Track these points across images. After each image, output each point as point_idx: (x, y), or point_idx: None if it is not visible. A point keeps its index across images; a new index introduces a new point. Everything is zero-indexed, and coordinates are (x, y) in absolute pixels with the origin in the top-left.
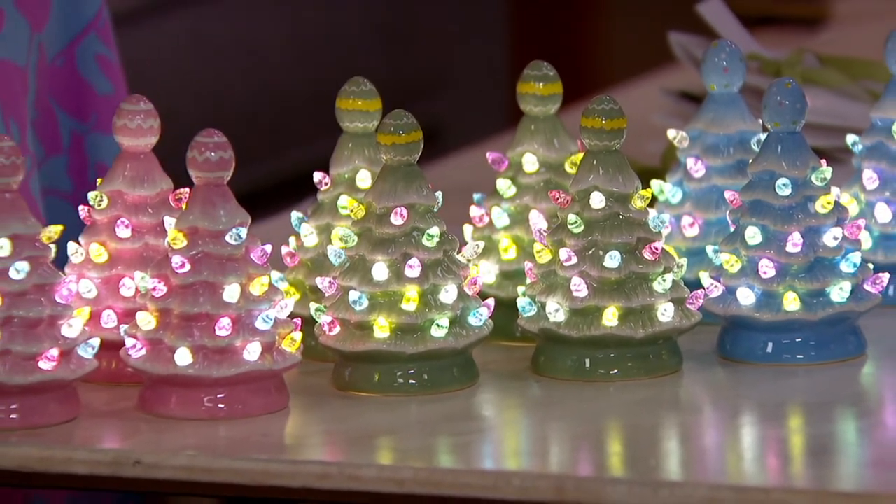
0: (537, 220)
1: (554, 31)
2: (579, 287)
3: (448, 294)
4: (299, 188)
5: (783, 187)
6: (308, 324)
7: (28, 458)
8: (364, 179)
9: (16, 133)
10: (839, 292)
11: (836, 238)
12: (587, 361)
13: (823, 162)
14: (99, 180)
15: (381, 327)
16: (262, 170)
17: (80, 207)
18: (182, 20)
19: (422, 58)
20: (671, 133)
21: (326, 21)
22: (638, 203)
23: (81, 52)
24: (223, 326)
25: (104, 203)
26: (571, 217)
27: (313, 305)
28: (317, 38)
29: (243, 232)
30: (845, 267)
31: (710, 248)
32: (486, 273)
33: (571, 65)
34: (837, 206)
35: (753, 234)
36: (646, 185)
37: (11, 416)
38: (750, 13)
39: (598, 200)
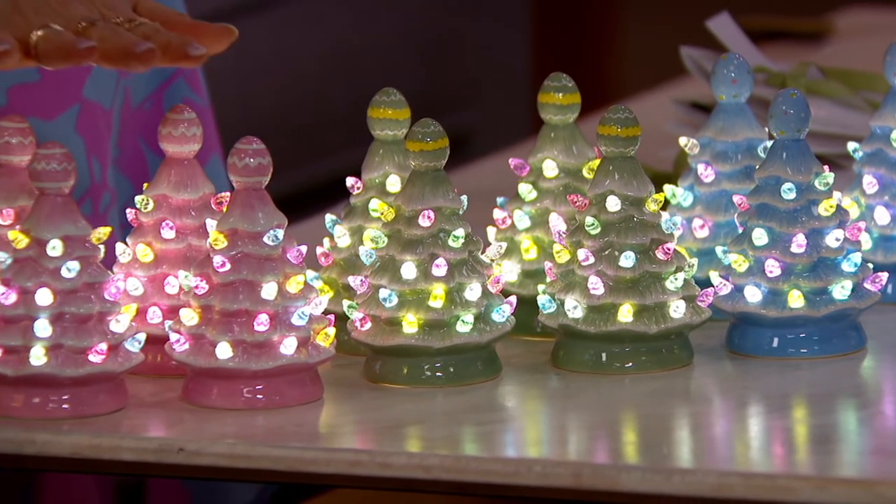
0: (557, 223)
1: (573, 45)
2: (596, 285)
3: (473, 292)
4: (333, 192)
5: (788, 191)
6: (341, 320)
7: (78, 446)
8: (394, 184)
9: (97, 171)
10: (841, 290)
11: (838, 239)
12: (604, 355)
13: (826, 168)
14: (145, 185)
15: (410, 323)
16: (299, 175)
17: (127, 210)
18: None
19: (452, 70)
20: (682, 140)
21: (362, 35)
22: (651, 206)
23: (169, 96)
24: (261, 322)
25: (150, 206)
26: (589, 219)
27: (346, 302)
28: (353, 51)
29: (280, 233)
30: (847, 266)
31: (719, 249)
32: (508, 272)
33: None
34: (839, 209)
35: (760, 236)
36: (659, 190)
37: (63, 406)
38: (757, 28)
39: (614, 204)
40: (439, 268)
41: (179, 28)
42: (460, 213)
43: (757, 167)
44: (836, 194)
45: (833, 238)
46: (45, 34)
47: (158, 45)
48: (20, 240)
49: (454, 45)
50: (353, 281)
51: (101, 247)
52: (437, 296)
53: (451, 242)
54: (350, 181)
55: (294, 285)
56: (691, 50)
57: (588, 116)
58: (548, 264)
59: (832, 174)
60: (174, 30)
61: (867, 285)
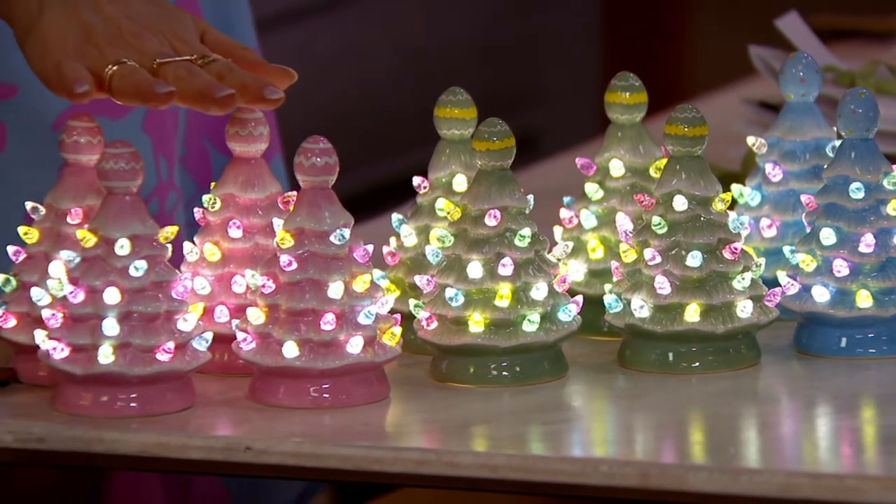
0: (623, 222)
1: (643, 44)
2: (663, 285)
3: (539, 291)
4: (400, 192)
5: (856, 191)
6: (407, 319)
7: (146, 444)
8: (460, 183)
9: (164, 170)
10: None
11: None
12: (670, 355)
13: (895, 167)
14: (213, 184)
15: (476, 322)
16: (367, 174)
17: (195, 210)
18: (294, 34)
19: (521, 69)
20: (751, 140)
21: (431, 34)
22: (719, 206)
23: None
24: (328, 321)
25: (217, 205)
26: (656, 219)
27: (412, 302)
28: (421, 51)
29: (347, 232)
30: None
31: (787, 249)
32: (575, 271)
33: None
34: None
35: (828, 235)
36: (727, 189)
37: (131, 405)
38: (826, 27)
39: (681, 203)
40: (505, 267)
41: (244, 64)
42: (527, 212)
43: (825, 166)
44: None
45: None
46: (121, 71)
47: (234, 85)
48: (88, 239)
49: (523, 44)
50: (420, 280)
51: (169, 246)
52: (504, 295)
53: (517, 242)
54: (417, 180)
55: (360, 284)
56: (760, 49)
57: (655, 116)
58: (614, 264)
59: None
60: (240, 65)
61: None
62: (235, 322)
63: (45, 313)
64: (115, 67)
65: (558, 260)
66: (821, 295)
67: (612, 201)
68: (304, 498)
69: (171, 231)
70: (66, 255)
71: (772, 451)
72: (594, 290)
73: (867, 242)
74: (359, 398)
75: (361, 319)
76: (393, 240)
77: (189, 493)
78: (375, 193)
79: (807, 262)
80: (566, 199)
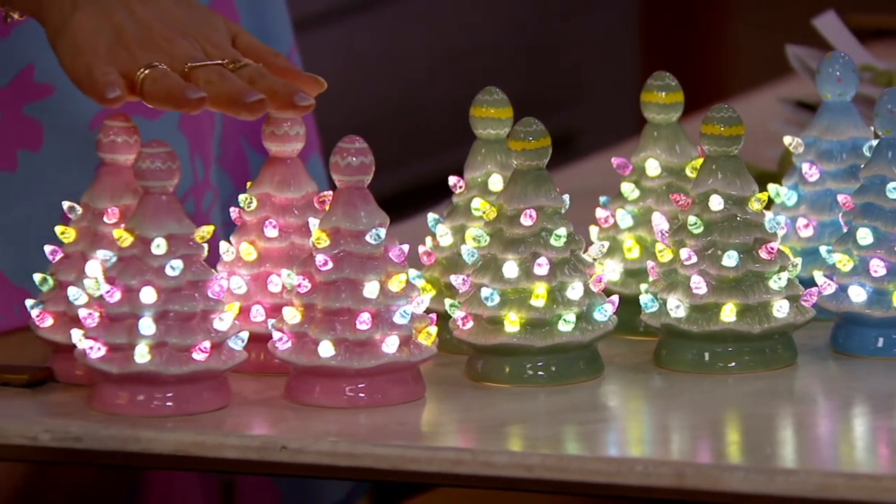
0: (659, 222)
1: (680, 44)
2: (699, 285)
3: (575, 291)
4: (436, 191)
5: (893, 191)
6: (443, 318)
7: (182, 443)
8: (496, 183)
9: (200, 169)
10: None
11: None
12: (706, 355)
13: None
14: (249, 184)
15: (512, 322)
16: (403, 174)
17: (231, 209)
18: (332, 33)
19: (558, 68)
20: (787, 139)
21: (468, 34)
22: (755, 205)
23: None
24: (363, 321)
25: (253, 205)
26: (692, 219)
27: (448, 301)
28: (458, 50)
29: (382, 232)
30: None
31: (823, 249)
32: (610, 271)
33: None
34: None
35: (865, 235)
36: (763, 189)
37: (167, 404)
38: (863, 26)
39: (717, 203)
40: (541, 267)
41: (275, 70)
42: (562, 212)
43: (862, 166)
44: None
45: None
46: (153, 74)
47: (265, 91)
48: (125, 238)
49: (560, 43)
50: (456, 280)
51: (205, 245)
52: (539, 295)
53: (552, 241)
54: (452, 180)
55: (396, 284)
56: (797, 48)
57: (694, 115)
58: (650, 263)
59: None
60: (271, 71)
61: None
62: (271, 321)
63: (82, 313)
64: (146, 71)
65: (594, 260)
66: (857, 295)
67: (648, 201)
68: (352, 498)
69: (206, 230)
70: (102, 254)
71: (808, 452)
72: (630, 290)
73: None
74: (394, 398)
75: (397, 319)
76: (429, 239)
77: (238, 491)
78: (411, 193)
79: (843, 261)
80: (602, 199)
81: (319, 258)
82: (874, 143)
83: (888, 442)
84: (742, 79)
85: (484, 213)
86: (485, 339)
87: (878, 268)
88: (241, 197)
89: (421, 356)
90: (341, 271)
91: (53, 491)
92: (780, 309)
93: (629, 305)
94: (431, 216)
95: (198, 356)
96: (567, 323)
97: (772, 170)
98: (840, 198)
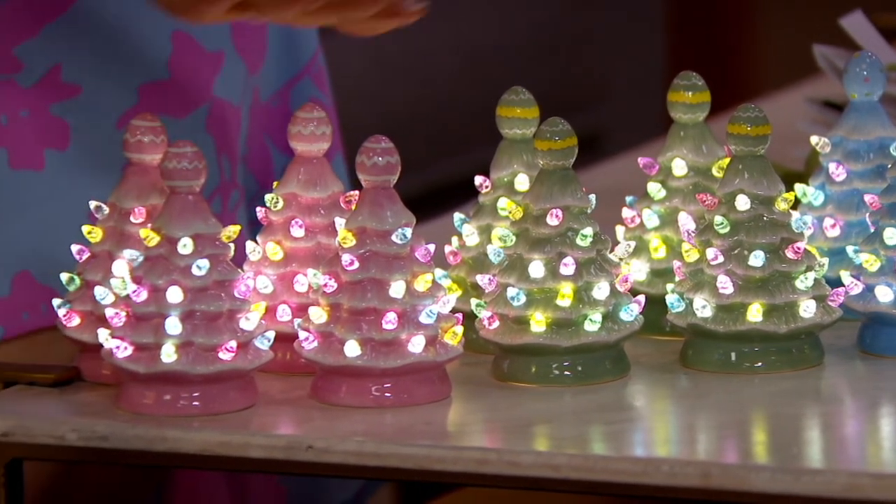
0: (686, 222)
1: (707, 43)
2: (725, 285)
3: (601, 291)
4: (462, 191)
5: None
6: (469, 318)
7: (208, 443)
8: (522, 183)
9: (227, 168)
10: None
11: None
12: (733, 355)
13: None
14: (275, 183)
15: (538, 322)
16: (430, 174)
17: (257, 209)
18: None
19: (584, 68)
20: (814, 139)
21: (494, 34)
22: (781, 205)
23: (296, 95)
24: (389, 320)
25: (280, 205)
26: (718, 218)
27: (474, 301)
28: (485, 50)
29: (408, 232)
30: None
31: (850, 248)
32: (637, 271)
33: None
34: None
35: (892, 235)
36: (789, 189)
37: (193, 404)
38: (891, 26)
39: (743, 203)
40: (567, 266)
41: None
42: (588, 211)
43: (889, 166)
44: None
45: None
46: None
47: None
48: (151, 238)
49: (586, 43)
50: (482, 279)
51: (231, 245)
52: (565, 294)
53: (579, 241)
54: (478, 180)
55: (422, 284)
56: (824, 48)
57: (720, 115)
58: (677, 263)
59: None
60: None
61: None
62: (297, 321)
63: (109, 312)
64: None
65: (620, 259)
66: (884, 295)
67: (674, 201)
68: (361, 497)
69: (233, 230)
70: (129, 254)
71: (835, 452)
72: (656, 290)
73: None
74: (420, 397)
75: (423, 319)
76: (455, 239)
77: (246, 490)
78: (437, 193)
79: (870, 261)
80: (628, 199)
81: (345, 258)
82: None
83: None
84: (769, 78)
85: (510, 212)
86: (511, 339)
87: None
88: (268, 196)
89: (447, 356)
90: (367, 271)
91: (79, 490)
92: (807, 309)
93: (655, 305)
94: (457, 216)
95: (224, 356)
96: (593, 323)
97: (798, 170)
98: (867, 198)
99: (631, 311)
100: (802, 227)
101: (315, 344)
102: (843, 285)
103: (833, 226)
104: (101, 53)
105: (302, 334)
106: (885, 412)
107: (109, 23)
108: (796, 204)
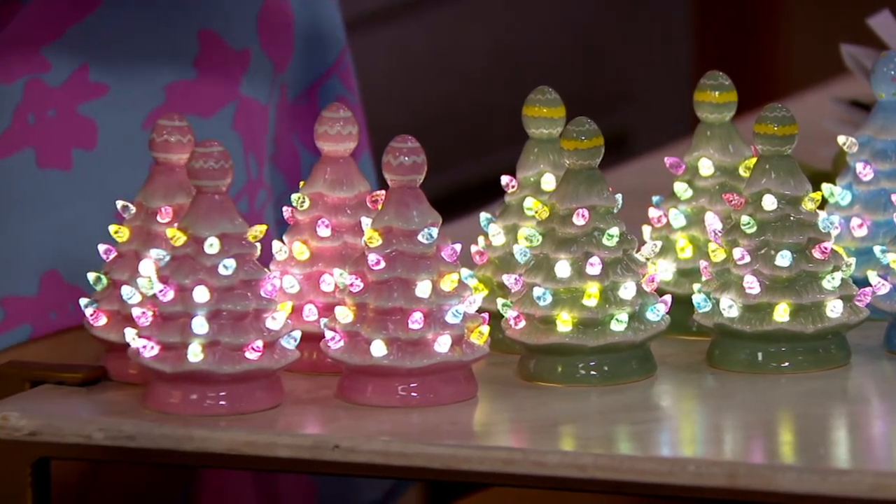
0: (712, 222)
1: (734, 43)
2: (752, 285)
3: (627, 290)
4: (488, 191)
5: None
6: (495, 318)
7: (235, 442)
8: (549, 182)
9: (254, 167)
10: None
11: None
12: (760, 355)
13: None
14: (302, 183)
15: (564, 322)
16: (457, 174)
17: (284, 208)
18: (387, 32)
19: (611, 68)
20: (841, 139)
21: (521, 33)
22: (808, 205)
23: (324, 94)
24: (416, 320)
25: (306, 204)
26: (745, 218)
27: (500, 301)
28: (512, 50)
29: (434, 231)
30: None
31: (877, 248)
32: (663, 271)
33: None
34: None
35: None
36: (816, 188)
37: (220, 403)
38: None
39: (770, 203)
40: (594, 266)
41: None
42: (615, 211)
43: None
44: None
45: None
46: None
47: None
48: (178, 237)
49: (613, 43)
50: (508, 279)
51: (258, 244)
52: (592, 294)
53: (605, 241)
54: (505, 179)
55: (448, 283)
56: (852, 48)
57: (747, 115)
58: (703, 263)
59: None
60: None
61: None
62: (324, 321)
63: (136, 311)
64: None
65: (647, 259)
66: None
67: (701, 200)
68: (390, 497)
69: (259, 230)
70: (155, 253)
71: (862, 452)
72: (683, 290)
73: None
74: (446, 397)
75: (449, 318)
76: (481, 239)
77: (277, 487)
78: (464, 192)
79: None
80: (655, 199)
81: (372, 257)
82: None
83: None
84: (796, 78)
85: (536, 212)
86: (537, 339)
87: None
88: (294, 196)
89: (473, 356)
90: (394, 271)
91: (106, 490)
92: (834, 309)
93: (682, 305)
94: (484, 215)
95: (250, 355)
96: (619, 322)
97: (826, 169)
98: (894, 197)
99: (657, 311)
100: (829, 226)
101: (341, 343)
102: (871, 285)
103: (860, 226)
104: (128, 53)
105: (328, 334)
106: None
107: (136, 23)
108: (823, 204)
